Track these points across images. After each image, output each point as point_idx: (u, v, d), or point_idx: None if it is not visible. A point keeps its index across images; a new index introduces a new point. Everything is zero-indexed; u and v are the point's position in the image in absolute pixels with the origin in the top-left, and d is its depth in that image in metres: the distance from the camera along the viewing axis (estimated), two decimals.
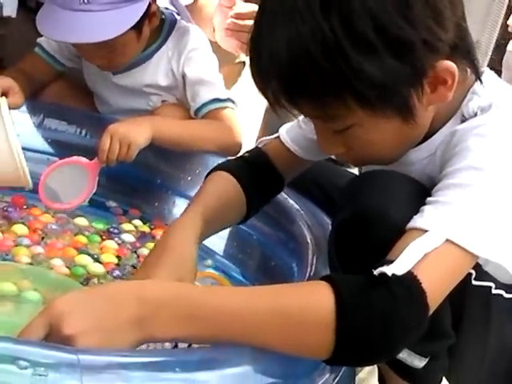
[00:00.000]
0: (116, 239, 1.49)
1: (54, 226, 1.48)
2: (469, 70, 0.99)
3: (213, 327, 0.80)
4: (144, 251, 1.46)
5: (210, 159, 1.61)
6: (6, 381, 0.67)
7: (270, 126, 1.90)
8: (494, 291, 1.06)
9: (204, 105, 1.68)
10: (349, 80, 0.89)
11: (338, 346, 0.81)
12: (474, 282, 1.03)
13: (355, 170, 1.27)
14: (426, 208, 0.89)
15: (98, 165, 1.48)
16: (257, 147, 1.29)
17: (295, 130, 1.24)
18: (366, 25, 0.87)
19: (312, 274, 1.12)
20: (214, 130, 1.65)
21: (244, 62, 2.01)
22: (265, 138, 1.30)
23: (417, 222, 0.88)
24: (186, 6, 1.86)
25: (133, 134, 1.51)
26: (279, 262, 1.39)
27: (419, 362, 1.00)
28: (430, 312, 0.85)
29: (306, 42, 0.88)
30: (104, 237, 1.50)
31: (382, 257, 0.87)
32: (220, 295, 0.84)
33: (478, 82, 0.99)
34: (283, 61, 0.90)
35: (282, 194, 1.33)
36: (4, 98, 1.45)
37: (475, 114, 0.97)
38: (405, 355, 0.99)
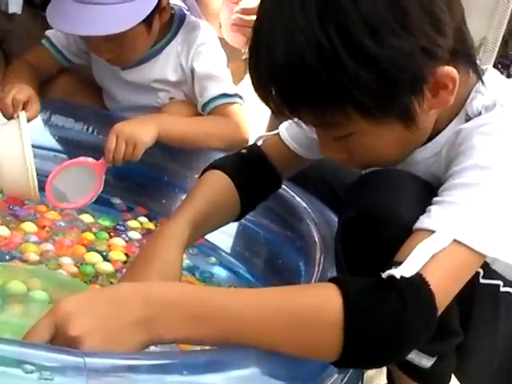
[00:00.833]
0: (123, 236, 1.49)
1: (61, 223, 1.48)
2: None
3: (220, 328, 0.80)
4: None
5: (217, 157, 1.60)
6: None
7: (277, 124, 1.89)
8: (502, 289, 1.06)
9: (211, 100, 1.68)
10: (347, 89, 0.88)
11: (346, 348, 0.81)
12: (482, 281, 1.03)
13: None
14: (433, 208, 0.89)
15: (105, 164, 1.48)
16: (255, 144, 1.28)
17: (295, 128, 1.23)
18: (362, 33, 0.87)
19: (319, 272, 1.12)
20: (220, 127, 1.65)
21: None
22: (264, 134, 1.30)
23: (424, 222, 0.88)
24: None
25: (139, 133, 1.51)
26: (286, 259, 1.39)
27: (427, 362, 1.00)
28: (439, 313, 0.84)
29: (303, 51, 0.88)
30: (112, 234, 1.50)
31: (388, 255, 0.87)
32: (227, 296, 0.84)
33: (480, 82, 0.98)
34: (281, 70, 0.90)
35: (289, 191, 1.33)
36: (23, 112, 1.46)
37: (479, 113, 0.97)
38: (413, 355, 0.98)
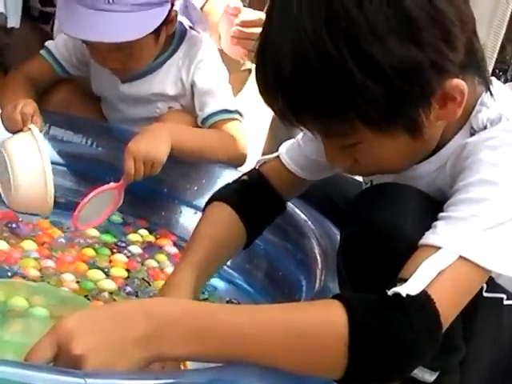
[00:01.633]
0: (125, 252, 1.49)
1: (62, 240, 1.48)
2: (477, 79, 0.98)
3: (222, 345, 0.80)
4: (152, 263, 1.46)
5: (216, 169, 1.61)
6: None
7: (276, 133, 1.89)
8: (505, 302, 1.05)
9: (212, 115, 1.68)
10: (354, 100, 0.87)
11: (350, 366, 0.80)
12: (486, 294, 1.02)
13: (360, 178, 1.25)
14: (439, 224, 0.89)
15: (124, 184, 1.49)
16: (256, 169, 1.27)
17: (295, 150, 1.22)
18: (371, 44, 0.86)
19: (320, 285, 1.11)
20: (220, 140, 1.65)
21: (250, 70, 2.00)
22: (264, 157, 1.29)
23: (430, 238, 0.88)
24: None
25: (154, 152, 1.51)
26: (286, 272, 1.38)
27: (430, 377, 0.99)
28: (443, 330, 0.84)
29: (311, 60, 0.87)
30: (114, 250, 1.49)
31: (390, 270, 0.86)
32: (230, 312, 0.84)
33: (488, 94, 0.98)
34: (288, 78, 0.89)
35: (290, 204, 1.32)
36: (34, 127, 1.46)
37: (485, 127, 0.96)
38: (415, 370, 0.97)
